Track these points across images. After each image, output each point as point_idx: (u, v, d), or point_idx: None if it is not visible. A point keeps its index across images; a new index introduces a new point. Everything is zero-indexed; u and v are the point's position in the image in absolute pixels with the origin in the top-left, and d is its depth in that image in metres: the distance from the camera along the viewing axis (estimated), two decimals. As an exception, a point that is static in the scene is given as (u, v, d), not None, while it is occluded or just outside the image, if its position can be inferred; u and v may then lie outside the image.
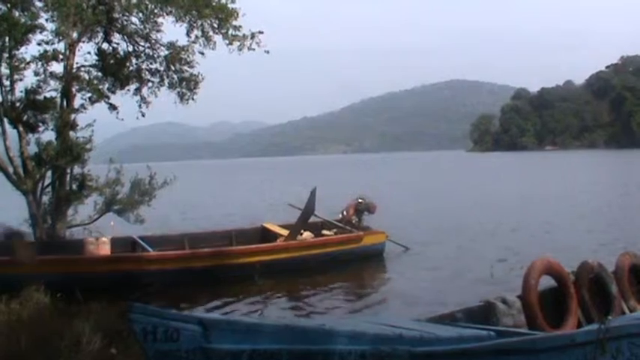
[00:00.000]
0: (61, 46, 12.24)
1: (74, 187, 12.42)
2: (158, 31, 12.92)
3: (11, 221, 12.73)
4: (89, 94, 12.54)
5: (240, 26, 12.58)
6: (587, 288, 6.91)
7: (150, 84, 13.33)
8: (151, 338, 3.42)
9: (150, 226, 14.10)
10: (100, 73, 12.83)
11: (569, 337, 4.79)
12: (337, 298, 10.89)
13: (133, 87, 13.29)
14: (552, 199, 27.31)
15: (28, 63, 12.12)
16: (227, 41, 12.62)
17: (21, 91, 12.16)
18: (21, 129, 12.06)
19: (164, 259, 11.59)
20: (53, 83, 12.36)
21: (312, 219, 13.75)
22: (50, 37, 12.07)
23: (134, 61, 13.18)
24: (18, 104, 12.07)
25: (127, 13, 12.62)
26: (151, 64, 13.21)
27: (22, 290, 8.72)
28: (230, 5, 12.52)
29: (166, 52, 13.01)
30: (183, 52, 12.94)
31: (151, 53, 13.11)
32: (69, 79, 12.27)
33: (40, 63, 12.16)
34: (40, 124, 12.35)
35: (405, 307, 9.50)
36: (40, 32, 12.04)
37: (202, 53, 12.97)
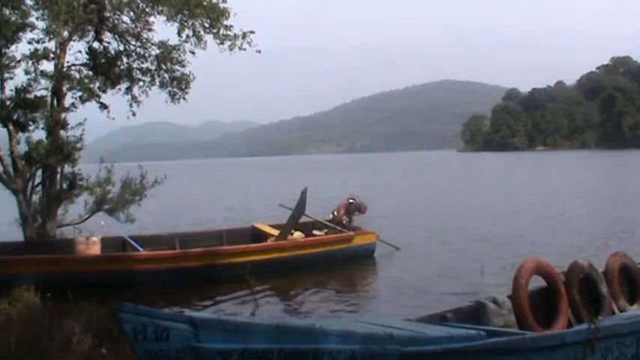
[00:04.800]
0: (51, 45, 12.19)
1: (65, 186, 12.36)
2: (149, 30, 12.84)
3: (1, 220, 12.68)
4: (80, 93, 12.47)
5: (231, 26, 12.55)
6: (578, 288, 6.93)
7: (141, 83, 13.25)
8: (141, 337, 3.41)
9: (140, 226, 14.06)
10: (90, 72, 12.76)
11: (559, 337, 4.83)
12: (328, 298, 10.90)
13: (123, 86, 13.22)
14: (543, 200, 27.38)
15: (19, 61, 12.06)
16: (218, 41, 12.59)
17: (11, 90, 12.10)
18: (11, 128, 12.00)
19: (155, 258, 11.58)
20: (44, 82, 12.28)
21: (302, 219, 13.76)
22: (41, 36, 11.99)
23: (125, 60, 13.10)
24: (8, 103, 12.01)
25: (118, 12, 12.54)
26: (142, 63, 13.13)
27: (11, 290, 8.67)
28: (221, 5, 12.50)
29: (157, 52, 12.95)
30: (174, 52, 12.88)
31: (142, 52, 13.04)
32: (60, 77, 12.22)
33: (30, 61, 12.08)
34: (31, 123, 12.28)
35: (396, 307, 9.51)
36: (31, 31, 11.96)
37: (193, 53, 12.94)
